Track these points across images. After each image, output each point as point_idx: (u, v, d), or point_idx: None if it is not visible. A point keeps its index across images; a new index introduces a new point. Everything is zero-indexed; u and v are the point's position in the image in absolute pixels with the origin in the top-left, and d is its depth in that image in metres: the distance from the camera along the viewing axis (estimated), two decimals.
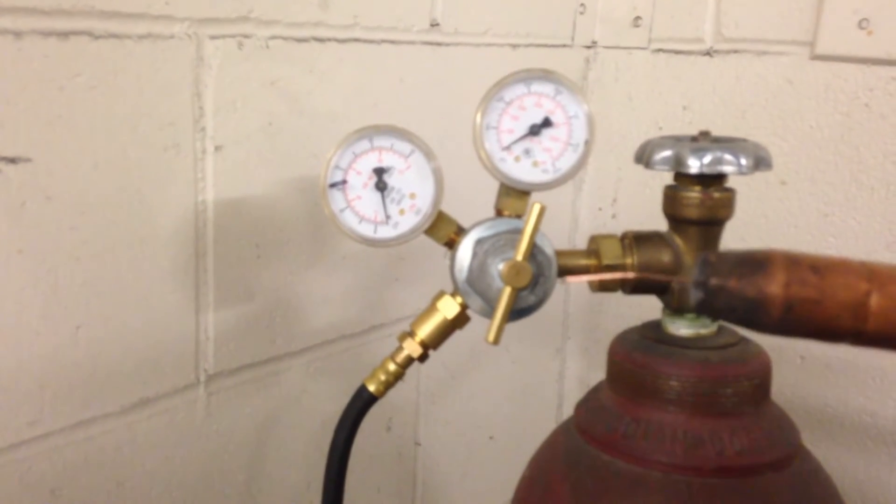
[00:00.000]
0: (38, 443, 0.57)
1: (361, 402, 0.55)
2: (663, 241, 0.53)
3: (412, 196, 0.52)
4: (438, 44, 0.80)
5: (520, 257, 0.49)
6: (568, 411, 0.56)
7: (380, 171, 0.51)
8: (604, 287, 0.53)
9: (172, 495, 0.67)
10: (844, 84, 0.81)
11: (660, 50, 0.93)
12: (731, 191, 0.52)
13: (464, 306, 0.53)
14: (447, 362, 0.90)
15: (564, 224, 1.01)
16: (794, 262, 0.38)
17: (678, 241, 0.52)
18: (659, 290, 0.53)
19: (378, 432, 0.84)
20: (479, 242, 0.52)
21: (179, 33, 0.60)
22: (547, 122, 0.52)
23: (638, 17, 0.94)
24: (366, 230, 0.52)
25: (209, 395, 0.67)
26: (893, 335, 0.37)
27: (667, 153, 0.50)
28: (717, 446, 0.49)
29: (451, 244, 0.53)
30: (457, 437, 0.93)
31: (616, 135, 0.96)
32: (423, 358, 0.55)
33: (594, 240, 0.54)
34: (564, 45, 0.94)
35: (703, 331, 0.52)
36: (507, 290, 0.50)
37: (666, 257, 0.52)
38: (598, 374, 0.56)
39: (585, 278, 0.52)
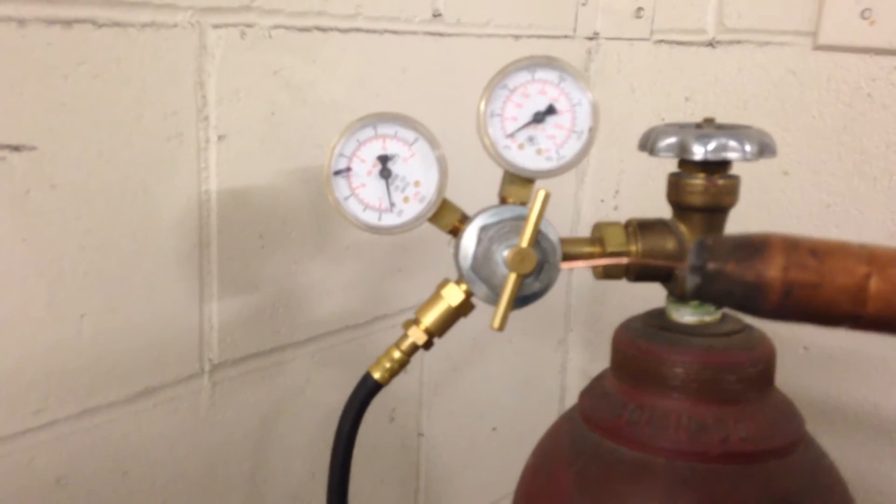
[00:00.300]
0: (44, 431, 0.58)
1: (366, 390, 0.55)
2: (667, 229, 0.53)
3: (416, 184, 0.52)
4: (440, 34, 0.80)
5: (525, 244, 0.49)
6: (570, 403, 0.57)
7: (384, 159, 0.51)
8: (607, 274, 0.53)
9: (177, 484, 0.67)
10: (847, 74, 0.81)
11: (662, 41, 0.93)
12: (735, 178, 0.52)
13: (468, 293, 0.53)
14: (450, 354, 0.90)
15: (566, 216, 1.01)
16: (792, 246, 0.38)
17: (682, 228, 0.52)
18: (662, 277, 0.53)
19: (381, 423, 0.84)
20: (483, 229, 0.52)
21: (182, 22, 0.60)
22: (551, 110, 0.52)
23: (640, 8, 0.94)
24: (370, 218, 0.52)
25: (213, 385, 0.68)
26: (893, 319, 0.36)
27: (671, 140, 0.50)
28: (722, 433, 0.49)
29: (456, 232, 0.53)
30: (460, 428, 0.93)
31: (618, 126, 0.96)
32: (427, 346, 0.55)
33: (598, 227, 0.54)
34: (566, 37, 0.94)
35: (707, 318, 0.52)
36: (512, 277, 0.50)
37: (670, 244, 0.52)
38: (600, 366, 0.56)
39: (584, 264, 0.52)
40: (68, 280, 0.57)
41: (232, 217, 0.66)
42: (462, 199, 0.54)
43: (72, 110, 0.55)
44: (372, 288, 0.79)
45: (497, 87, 0.52)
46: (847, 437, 0.83)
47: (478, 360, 0.93)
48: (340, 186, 0.51)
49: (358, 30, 0.72)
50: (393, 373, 0.55)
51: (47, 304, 0.56)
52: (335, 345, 0.77)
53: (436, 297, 0.54)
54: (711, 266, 0.39)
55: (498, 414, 0.97)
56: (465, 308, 0.54)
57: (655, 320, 0.53)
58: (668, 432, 0.49)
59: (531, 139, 0.52)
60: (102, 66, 0.56)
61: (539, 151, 0.52)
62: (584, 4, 0.95)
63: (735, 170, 0.52)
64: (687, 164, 0.52)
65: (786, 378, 0.54)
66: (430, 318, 0.54)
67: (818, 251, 0.37)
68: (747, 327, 0.53)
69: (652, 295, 0.55)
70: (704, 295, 0.39)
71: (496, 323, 0.50)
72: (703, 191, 0.51)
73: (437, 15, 0.79)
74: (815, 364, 0.84)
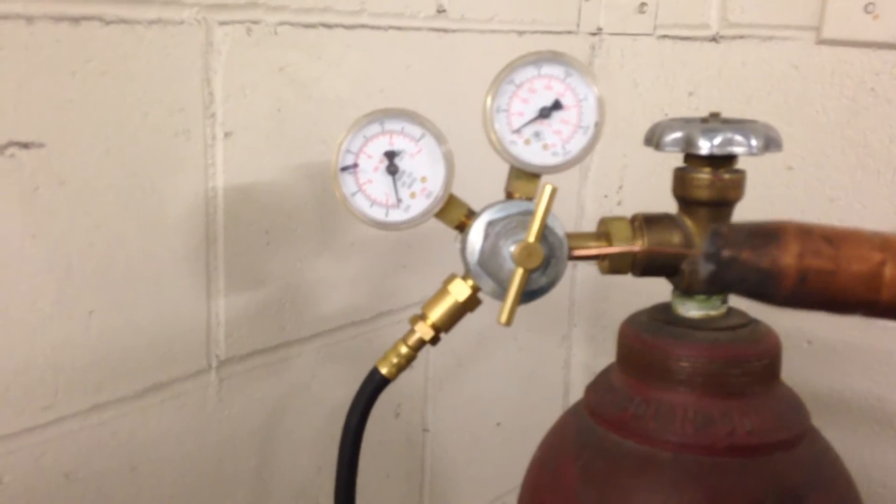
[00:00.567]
0: (52, 427, 0.58)
1: (374, 385, 0.56)
2: (673, 223, 0.53)
3: (423, 179, 0.52)
4: (445, 30, 0.80)
5: (531, 238, 0.50)
6: (574, 398, 0.57)
7: (391, 155, 0.52)
8: (613, 269, 0.53)
9: (185, 479, 0.67)
10: (850, 69, 0.81)
11: (665, 36, 0.93)
12: (741, 172, 0.52)
13: (475, 289, 0.54)
14: (455, 350, 0.90)
15: (570, 212, 1.01)
16: (806, 233, 0.38)
17: (688, 222, 0.53)
18: (668, 271, 0.53)
19: (386, 419, 0.84)
20: (490, 224, 0.52)
21: (189, 19, 0.60)
22: (557, 105, 0.52)
23: (643, 4, 0.94)
24: (377, 214, 0.52)
25: (220, 381, 0.68)
26: None
27: (677, 134, 0.51)
28: (728, 426, 0.49)
29: (462, 227, 0.53)
30: (464, 424, 0.94)
31: (622, 121, 0.96)
32: (434, 341, 0.55)
33: (604, 222, 0.54)
34: (570, 32, 0.94)
35: (713, 312, 0.53)
36: (519, 272, 0.50)
37: (676, 238, 0.52)
38: (604, 362, 0.57)
39: (595, 251, 0.52)
40: (76, 276, 0.57)
41: (238, 213, 0.66)
42: (468, 195, 0.54)
43: (80, 107, 0.55)
44: (377, 284, 0.79)
45: (503, 82, 0.52)
46: (851, 430, 0.83)
47: (482, 356, 0.94)
48: (347, 183, 0.51)
49: (363, 26, 0.72)
50: (400, 368, 0.56)
51: (56, 300, 0.56)
52: (341, 340, 0.77)
53: (442, 292, 0.55)
54: (726, 253, 0.38)
55: (502, 409, 0.98)
56: (471, 303, 0.54)
57: (661, 314, 0.54)
58: (673, 426, 0.49)
59: (537, 134, 0.53)
60: (110, 63, 0.56)
61: (545, 146, 0.53)
62: (587, 0, 0.95)
63: (739, 165, 0.52)
64: (693, 159, 0.52)
65: (790, 371, 0.54)
66: (437, 313, 0.54)
67: (832, 238, 0.37)
68: (753, 321, 0.53)
69: (655, 291, 0.55)
70: (718, 282, 0.39)
71: (504, 318, 0.50)
72: (709, 185, 0.51)
73: (441, 11, 0.79)
74: (819, 358, 0.84)
